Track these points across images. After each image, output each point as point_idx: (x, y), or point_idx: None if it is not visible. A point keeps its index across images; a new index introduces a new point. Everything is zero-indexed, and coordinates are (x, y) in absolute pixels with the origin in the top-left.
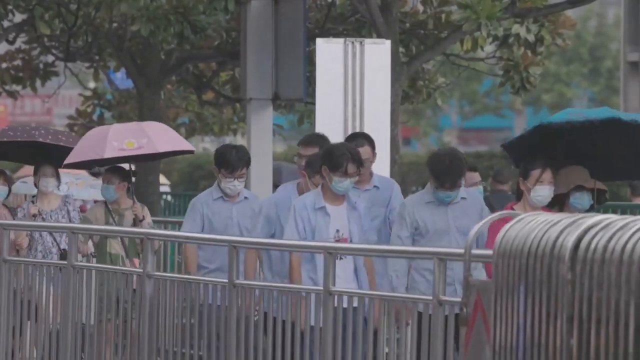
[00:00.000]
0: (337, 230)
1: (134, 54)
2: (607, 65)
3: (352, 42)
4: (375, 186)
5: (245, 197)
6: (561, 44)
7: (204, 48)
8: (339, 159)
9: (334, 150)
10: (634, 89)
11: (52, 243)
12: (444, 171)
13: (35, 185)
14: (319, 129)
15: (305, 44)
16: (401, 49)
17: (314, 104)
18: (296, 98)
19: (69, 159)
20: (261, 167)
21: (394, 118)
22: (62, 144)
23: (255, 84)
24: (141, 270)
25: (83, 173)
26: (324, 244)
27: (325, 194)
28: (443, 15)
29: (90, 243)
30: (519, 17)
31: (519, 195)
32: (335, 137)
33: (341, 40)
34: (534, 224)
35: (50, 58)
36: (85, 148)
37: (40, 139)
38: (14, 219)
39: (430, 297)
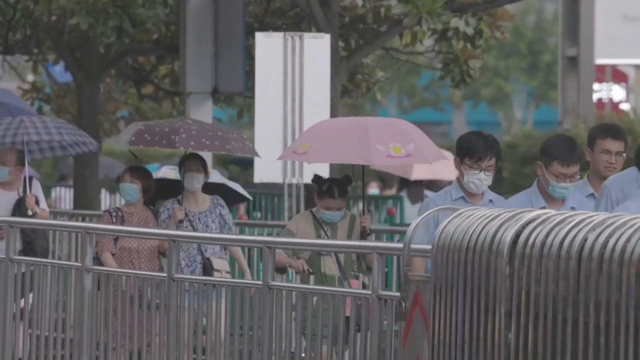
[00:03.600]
0: None
1: (73, 48)
2: (545, 59)
3: (292, 36)
4: (591, 194)
5: (490, 200)
6: (500, 37)
7: (143, 41)
8: (549, 150)
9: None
10: (572, 84)
11: (197, 250)
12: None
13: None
14: (259, 123)
15: (245, 38)
16: (340, 43)
17: (253, 97)
18: (236, 92)
19: (316, 157)
20: None
21: (334, 112)
22: (206, 150)
23: (195, 77)
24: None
25: None
26: (264, 239)
27: (543, 194)
28: (382, 10)
29: (302, 259)
30: (458, 11)
31: None
32: (274, 130)
33: (280, 34)
34: (472, 219)
35: None
36: (343, 150)
37: (181, 147)
38: (157, 222)
39: (369, 292)
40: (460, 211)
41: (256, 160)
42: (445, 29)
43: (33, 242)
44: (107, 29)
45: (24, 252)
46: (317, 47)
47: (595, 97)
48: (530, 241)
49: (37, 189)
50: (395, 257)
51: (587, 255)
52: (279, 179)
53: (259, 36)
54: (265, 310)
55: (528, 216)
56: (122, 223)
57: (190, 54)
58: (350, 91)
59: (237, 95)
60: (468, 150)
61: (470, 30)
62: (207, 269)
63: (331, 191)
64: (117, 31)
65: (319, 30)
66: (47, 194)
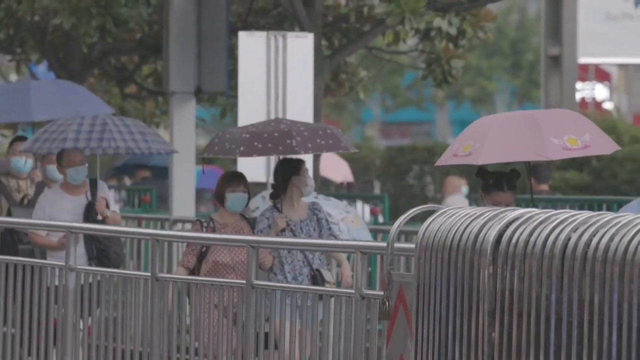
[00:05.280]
0: None
1: (56, 47)
2: (528, 58)
3: (275, 36)
4: None
5: None
6: (483, 37)
7: (126, 41)
8: None
9: None
10: (555, 83)
11: (303, 262)
12: None
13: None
14: (242, 122)
15: (228, 37)
16: (324, 42)
17: (236, 97)
18: (219, 91)
19: (484, 157)
20: (183, 161)
21: (317, 111)
22: (324, 151)
23: (178, 77)
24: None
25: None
26: (248, 238)
27: None
28: (365, 9)
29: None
30: (441, 11)
31: None
32: None
33: (264, 33)
34: (456, 218)
35: None
36: (514, 146)
37: (302, 151)
38: (253, 232)
39: (353, 291)
40: (444, 210)
41: (239, 159)
42: (428, 28)
43: (107, 249)
44: (90, 28)
45: (98, 260)
46: (300, 46)
47: (578, 96)
48: (514, 240)
49: (104, 190)
50: (378, 257)
51: (571, 254)
52: (262, 178)
53: (242, 35)
54: (250, 309)
55: (511, 215)
56: None
57: (173, 53)
58: (333, 90)
59: (220, 95)
60: None
61: (453, 30)
62: (318, 280)
63: (500, 184)
64: (100, 31)
65: (302, 29)
66: None
